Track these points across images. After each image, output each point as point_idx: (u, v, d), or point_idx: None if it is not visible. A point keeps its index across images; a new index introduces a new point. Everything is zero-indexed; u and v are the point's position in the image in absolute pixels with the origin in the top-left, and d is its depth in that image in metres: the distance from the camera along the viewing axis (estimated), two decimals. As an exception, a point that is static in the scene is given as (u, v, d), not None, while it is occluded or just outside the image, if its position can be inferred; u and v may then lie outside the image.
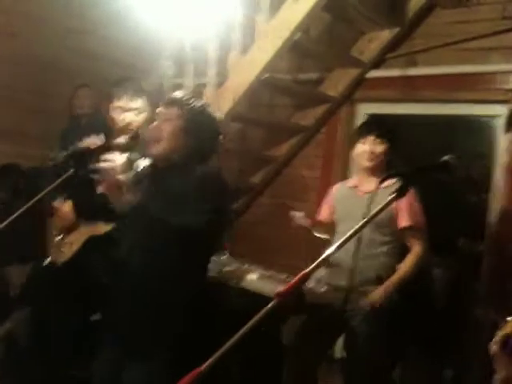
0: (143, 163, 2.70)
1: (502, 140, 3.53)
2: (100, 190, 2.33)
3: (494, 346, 1.60)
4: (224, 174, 2.19)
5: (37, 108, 4.49)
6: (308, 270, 1.38)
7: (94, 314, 3.10)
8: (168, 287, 2.07)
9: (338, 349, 3.70)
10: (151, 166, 2.26)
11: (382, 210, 1.53)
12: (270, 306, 1.32)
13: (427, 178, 1.67)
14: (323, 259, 1.42)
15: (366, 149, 2.85)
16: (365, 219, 1.50)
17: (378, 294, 2.69)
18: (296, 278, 1.36)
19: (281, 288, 1.35)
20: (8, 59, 4.33)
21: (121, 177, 1.99)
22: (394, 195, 1.54)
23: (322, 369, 2.96)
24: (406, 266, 2.77)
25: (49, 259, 2.95)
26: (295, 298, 1.33)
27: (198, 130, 2.12)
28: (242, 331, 1.30)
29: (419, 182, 1.62)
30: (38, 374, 2.99)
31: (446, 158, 1.61)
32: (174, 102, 2.14)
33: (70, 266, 2.85)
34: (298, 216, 2.92)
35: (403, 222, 2.77)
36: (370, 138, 2.85)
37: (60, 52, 4.52)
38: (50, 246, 3.01)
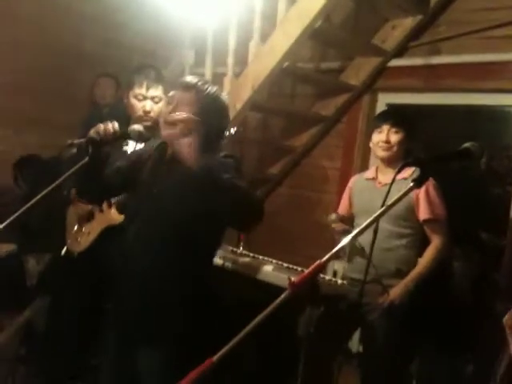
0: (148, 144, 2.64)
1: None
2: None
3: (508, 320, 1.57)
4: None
5: (61, 97, 4.50)
6: (323, 260, 1.34)
7: (109, 303, 3.10)
8: (178, 276, 2.06)
9: (356, 343, 3.67)
10: (160, 150, 2.23)
11: (399, 199, 1.48)
12: (283, 296, 1.29)
13: (448, 167, 1.62)
14: (338, 250, 1.38)
15: (382, 138, 2.80)
16: (380, 209, 1.45)
17: (397, 290, 2.64)
18: (310, 268, 1.33)
19: (295, 278, 1.32)
20: (32, 47, 4.36)
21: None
22: (411, 185, 1.50)
23: (340, 363, 2.93)
24: (425, 261, 2.71)
25: (65, 249, 2.94)
26: (309, 289, 1.29)
27: (210, 116, 2.07)
28: (254, 322, 1.27)
29: (439, 171, 1.56)
30: (54, 363, 3.01)
31: (467, 145, 1.55)
32: (190, 87, 2.11)
33: (86, 255, 2.85)
34: (333, 218, 2.85)
35: (423, 214, 2.71)
36: (386, 127, 2.80)
37: (84, 40, 4.53)
38: (67, 236, 3.01)
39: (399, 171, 1.53)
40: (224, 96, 2.20)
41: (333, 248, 1.38)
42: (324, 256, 1.36)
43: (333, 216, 2.84)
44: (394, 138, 2.78)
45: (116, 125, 2.13)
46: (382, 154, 2.81)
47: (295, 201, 4.51)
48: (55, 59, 4.44)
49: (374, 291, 2.68)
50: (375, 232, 1.50)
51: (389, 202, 1.48)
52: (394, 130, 2.78)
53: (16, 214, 1.77)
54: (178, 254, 2.04)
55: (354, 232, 1.42)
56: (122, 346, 2.14)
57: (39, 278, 3.68)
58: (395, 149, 2.77)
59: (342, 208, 3.04)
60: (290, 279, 1.32)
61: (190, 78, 2.17)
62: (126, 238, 2.19)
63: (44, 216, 3.30)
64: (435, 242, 2.73)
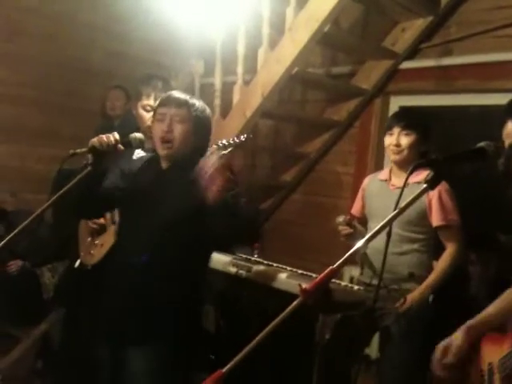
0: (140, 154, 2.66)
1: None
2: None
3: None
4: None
5: (70, 109, 4.54)
6: (335, 266, 1.31)
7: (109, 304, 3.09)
8: (173, 276, 2.10)
9: (375, 349, 3.62)
10: (152, 163, 2.26)
11: (412, 202, 1.45)
12: (294, 303, 1.26)
13: (462, 168, 1.57)
14: (350, 255, 1.35)
15: (393, 141, 2.73)
16: (393, 213, 1.42)
17: (413, 296, 2.60)
18: (322, 275, 1.30)
19: (306, 285, 1.29)
20: (43, 61, 4.40)
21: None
22: (424, 186, 1.46)
23: (358, 370, 2.88)
24: (440, 268, 2.65)
25: (79, 261, 2.94)
26: (322, 295, 1.26)
27: (202, 130, 2.21)
28: (265, 330, 1.24)
29: (453, 172, 1.52)
30: (70, 375, 3.00)
31: (481, 144, 1.51)
32: (183, 104, 2.17)
33: (99, 268, 2.84)
34: (340, 221, 2.81)
35: (436, 221, 2.65)
36: (396, 130, 2.73)
37: (91, 52, 4.56)
38: (80, 248, 3.01)
39: (411, 172, 1.48)
40: (207, 108, 2.27)
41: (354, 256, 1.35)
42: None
43: (340, 218, 2.80)
44: (405, 140, 2.71)
45: (116, 135, 2.15)
46: (393, 157, 2.76)
47: (309, 207, 4.48)
48: (63, 72, 4.48)
49: (388, 296, 2.64)
50: (388, 235, 1.46)
51: (401, 205, 1.44)
52: (404, 132, 2.71)
53: (32, 216, 1.76)
54: (173, 254, 2.08)
55: (366, 236, 1.39)
56: (115, 346, 2.15)
57: (55, 290, 3.69)
58: (406, 152, 2.70)
59: (355, 209, 3.00)
60: (300, 286, 1.29)
61: (178, 95, 2.23)
62: (121, 237, 2.26)
63: (56, 228, 3.31)
64: (450, 249, 2.67)
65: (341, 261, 1.34)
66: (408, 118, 2.77)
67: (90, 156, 2.10)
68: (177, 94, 2.24)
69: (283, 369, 2.71)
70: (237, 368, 1.21)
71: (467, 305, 2.91)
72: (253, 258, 3.20)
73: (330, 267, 1.30)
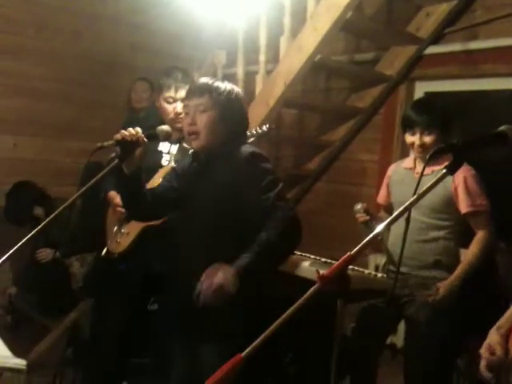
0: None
1: None
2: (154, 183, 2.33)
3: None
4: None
5: (97, 103, 4.63)
6: (353, 251, 1.31)
7: (151, 304, 3.13)
8: None
9: (401, 338, 3.61)
10: (195, 154, 2.26)
11: (431, 187, 1.43)
12: (312, 289, 1.27)
13: (489, 154, 1.55)
14: (369, 241, 1.35)
15: (416, 141, 2.65)
16: (411, 199, 1.41)
17: (445, 287, 2.56)
18: (340, 260, 1.30)
19: (324, 271, 1.29)
20: (69, 56, 4.48)
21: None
22: (444, 171, 1.44)
23: (386, 358, 2.87)
24: (470, 256, 2.60)
25: (105, 250, 2.98)
26: (341, 282, 1.26)
27: (232, 114, 2.11)
28: (283, 316, 1.25)
29: (476, 157, 1.50)
30: (99, 364, 3.06)
31: (502, 128, 1.48)
32: (202, 91, 2.11)
33: (126, 256, 2.88)
34: (357, 208, 2.78)
35: (463, 207, 2.59)
36: (418, 130, 2.63)
37: (116, 47, 4.62)
38: (107, 237, 3.05)
39: (430, 159, 1.47)
40: (235, 87, 2.20)
41: (374, 242, 1.35)
42: (366, 251, 1.33)
43: (358, 205, 2.77)
44: (428, 139, 2.62)
45: (138, 128, 2.16)
46: (417, 154, 2.71)
47: (334, 196, 4.47)
48: (90, 66, 4.56)
49: (414, 283, 2.62)
50: (407, 221, 1.45)
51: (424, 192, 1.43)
52: (426, 132, 2.62)
53: (57, 211, 1.79)
54: (228, 252, 2.00)
55: (385, 222, 1.38)
56: (186, 345, 2.16)
57: (84, 280, 3.75)
58: (431, 148, 2.58)
59: (381, 197, 2.97)
60: (318, 272, 1.29)
61: (200, 83, 2.17)
62: (177, 237, 2.24)
63: (83, 219, 3.37)
64: (479, 236, 2.61)
65: (359, 246, 1.33)
66: (428, 117, 2.63)
67: (117, 149, 2.12)
68: (199, 82, 2.19)
69: (306, 357, 2.73)
70: (257, 353, 1.23)
71: (493, 294, 2.87)
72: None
73: (348, 253, 1.30)
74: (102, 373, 3.07)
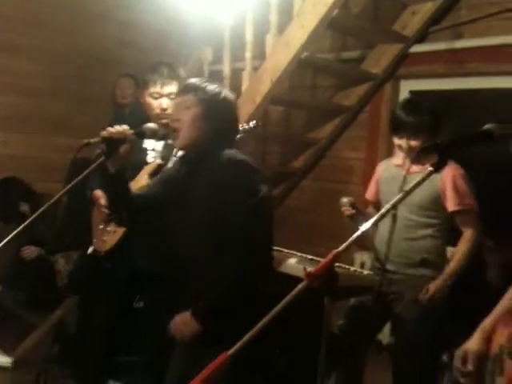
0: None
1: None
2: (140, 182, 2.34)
3: None
4: (250, 159, 2.14)
5: (85, 99, 4.61)
6: (339, 249, 1.32)
7: (137, 301, 3.12)
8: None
9: (386, 334, 3.63)
10: (181, 157, 2.27)
11: (417, 185, 1.44)
12: (299, 287, 1.27)
13: (474, 152, 1.56)
14: (356, 237, 1.36)
15: (403, 145, 2.66)
16: (398, 196, 1.42)
17: (435, 287, 2.58)
18: (327, 258, 1.30)
19: (311, 268, 1.30)
20: (58, 52, 4.47)
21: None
22: (430, 169, 1.45)
23: (372, 355, 2.89)
24: (458, 256, 2.62)
25: (92, 248, 2.97)
26: (328, 279, 1.27)
27: (216, 114, 2.11)
28: (270, 314, 1.26)
29: (462, 155, 1.51)
30: (85, 362, 3.05)
31: (488, 126, 1.49)
32: (189, 89, 2.13)
33: (113, 254, 2.87)
34: (344, 202, 2.80)
35: (451, 206, 2.61)
36: (405, 135, 2.63)
37: (104, 42, 4.61)
38: (93, 235, 3.04)
39: (417, 157, 1.48)
40: (226, 91, 2.20)
41: (358, 240, 1.36)
42: (352, 248, 1.33)
43: (345, 199, 2.78)
44: (416, 143, 2.62)
45: (125, 126, 2.15)
46: (405, 155, 2.72)
47: (320, 193, 4.48)
48: (78, 62, 4.54)
49: (401, 281, 2.64)
50: (394, 219, 1.47)
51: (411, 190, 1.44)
52: (413, 136, 2.62)
53: (42, 209, 1.79)
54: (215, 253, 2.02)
55: (372, 219, 1.39)
56: (188, 347, 2.15)
57: (69, 277, 3.74)
58: (419, 149, 2.60)
59: (370, 194, 2.98)
60: (305, 269, 1.30)
61: (189, 81, 2.19)
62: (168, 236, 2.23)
63: (69, 216, 3.36)
64: (466, 235, 2.63)
65: (345, 244, 1.34)
66: (416, 122, 2.61)
67: (103, 146, 2.11)
68: (188, 80, 2.20)
69: (294, 354, 2.73)
70: (243, 351, 1.23)
71: (482, 291, 2.90)
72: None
73: (334, 250, 1.31)
74: (88, 370, 3.06)
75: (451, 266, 2.62)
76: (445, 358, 3.10)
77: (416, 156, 1.49)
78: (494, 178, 3.41)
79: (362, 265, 3.58)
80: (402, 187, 2.56)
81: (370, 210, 3.01)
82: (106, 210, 2.93)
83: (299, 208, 4.54)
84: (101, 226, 2.98)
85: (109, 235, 2.92)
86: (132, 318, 3.10)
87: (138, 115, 3.27)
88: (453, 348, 3.10)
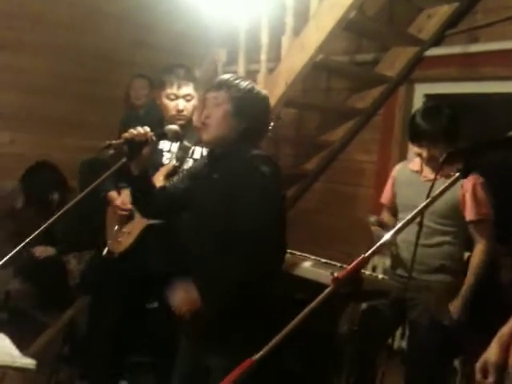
0: (198, 150, 2.71)
1: None
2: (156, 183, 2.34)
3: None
4: (274, 159, 2.13)
5: (95, 99, 4.60)
6: (366, 254, 1.30)
7: (150, 302, 3.12)
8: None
9: (397, 339, 3.61)
10: (208, 152, 2.26)
11: (444, 191, 1.43)
12: (326, 291, 1.26)
13: (492, 157, 1.54)
14: (382, 244, 1.35)
15: (423, 154, 2.64)
16: (424, 202, 1.40)
17: (456, 304, 2.59)
18: (354, 263, 1.29)
19: (338, 273, 1.29)
20: (69, 50, 4.46)
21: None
22: (456, 175, 1.44)
23: (383, 359, 2.88)
24: (474, 269, 2.61)
25: (106, 249, 2.97)
26: (352, 284, 1.27)
27: (247, 112, 2.08)
28: (296, 319, 1.25)
29: (486, 160, 1.49)
30: (96, 362, 3.05)
31: (513, 132, 1.48)
32: (220, 85, 2.10)
33: (127, 255, 2.87)
34: (372, 221, 2.77)
35: (469, 215, 2.60)
36: (425, 143, 2.61)
37: (118, 42, 4.60)
38: (108, 236, 3.04)
39: (444, 162, 1.46)
40: (259, 88, 2.18)
41: (369, 243, 1.35)
42: (361, 251, 1.33)
43: (372, 218, 2.76)
44: (435, 151, 2.60)
45: (147, 128, 2.15)
46: (424, 162, 2.70)
47: (332, 196, 4.47)
48: (89, 62, 4.53)
49: (418, 287, 2.62)
50: (420, 225, 1.45)
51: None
52: (433, 145, 2.59)
53: (65, 208, 1.79)
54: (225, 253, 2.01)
55: (397, 227, 1.38)
56: (193, 347, 2.15)
57: (81, 277, 3.74)
58: (438, 157, 2.59)
59: (385, 198, 2.96)
60: (332, 274, 1.29)
61: (221, 77, 2.17)
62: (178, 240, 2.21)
63: (82, 216, 3.35)
64: (481, 245, 2.62)
65: (372, 250, 1.33)
66: (437, 131, 2.58)
67: (125, 147, 2.10)
68: (222, 76, 2.19)
69: (308, 359, 2.73)
70: (268, 356, 1.22)
71: (496, 296, 2.88)
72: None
73: (362, 255, 1.30)
74: (99, 371, 3.06)
75: (467, 282, 2.61)
76: (456, 363, 3.10)
77: (443, 163, 1.46)
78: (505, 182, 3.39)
79: (373, 268, 3.56)
80: (421, 193, 2.55)
81: (385, 213, 2.99)
82: (121, 209, 2.94)
83: (311, 210, 4.53)
84: (116, 228, 2.99)
85: (124, 236, 2.93)
86: (144, 318, 3.11)
87: (153, 116, 3.27)
88: (465, 354, 3.11)
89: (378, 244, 1.34)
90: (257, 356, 1.21)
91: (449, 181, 1.42)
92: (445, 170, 2.54)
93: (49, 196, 3.84)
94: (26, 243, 1.62)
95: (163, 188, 2.27)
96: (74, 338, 3.50)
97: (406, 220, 1.38)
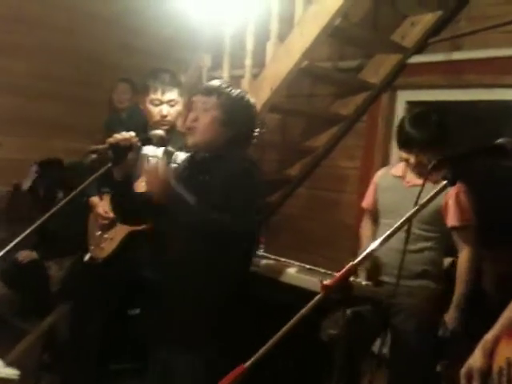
0: (182, 155, 2.70)
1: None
2: (139, 188, 2.33)
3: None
4: (260, 165, 2.14)
5: (83, 102, 4.56)
6: (356, 261, 1.31)
7: (132, 308, 3.10)
8: (206, 281, 2.07)
9: (377, 344, 3.63)
10: (190, 157, 2.25)
11: (432, 199, 1.45)
12: (316, 299, 1.26)
13: (481, 163, 1.56)
14: (371, 251, 1.35)
15: (411, 160, 2.66)
16: (412, 210, 1.41)
17: (449, 318, 2.61)
18: (344, 270, 1.30)
19: (328, 280, 1.29)
20: (57, 53, 4.43)
21: (162, 171, 2.00)
22: (445, 182, 1.45)
23: (367, 365, 2.88)
24: (462, 278, 2.62)
25: (88, 255, 2.94)
26: (342, 291, 1.27)
27: (236, 120, 2.10)
28: (287, 326, 1.24)
29: (473, 168, 1.51)
30: (75, 369, 3.01)
31: (501, 140, 1.50)
32: (211, 91, 2.10)
33: (110, 261, 2.84)
34: None
35: (452, 221, 2.63)
36: (414, 150, 2.62)
37: (106, 46, 4.56)
38: (90, 242, 3.00)
39: (433, 169, 1.47)
40: (249, 96, 2.18)
41: (353, 248, 1.36)
42: (345, 256, 1.34)
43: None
44: (423, 158, 2.62)
45: (132, 133, 2.14)
46: (412, 169, 2.71)
47: (315, 201, 4.47)
48: (77, 64, 4.49)
49: (401, 293, 2.63)
50: (408, 232, 1.46)
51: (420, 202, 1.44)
52: (422, 152, 2.60)
53: (48, 214, 1.77)
54: (208, 252, 2.04)
55: (386, 233, 1.38)
56: (157, 348, 2.15)
57: (62, 283, 3.69)
58: (426, 164, 2.61)
59: (367, 202, 2.98)
60: (322, 281, 1.29)
61: (211, 82, 2.17)
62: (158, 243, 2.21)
63: (64, 222, 3.31)
64: (465, 252, 2.64)
65: (361, 257, 1.34)
66: (426, 137, 2.59)
67: (109, 152, 2.08)
68: (211, 82, 2.20)
69: (292, 366, 2.72)
70: (259, 363, 1.22)
71: (479, 300, 2.90)
72: (259, 253, 3.20)
73: (351, 263, 1.30)
74: (81, 378, 3.02)
75: (458, 291, 2.62)
76: (439, 367, 3.12)
77: (431, 169, 1.47)
78: (489, 188, 3.43)
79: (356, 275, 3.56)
80: (404, 199, 2.58)
81: (366, 220, 3.00)
82: (103, 219, 2.91)
83: (295, 216, 4.53)
84: (98, 233, 2.96)
85: (106, 242, 2.90)
86: (126, 325, 3.08)
87: (136, 120, 3.26)
88: (448, 358, 3.13)
89: (366, 251, 1.35)
90: (248, 363, 1.21)
91: (436, 187, 1.44)
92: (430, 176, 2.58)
93: (54, 193, 3.81)
94: (13, 247, 1.59)
95: (143, 192, 2.26)
96: (55, 345, 3.45)
97: (394, 227, 1.39)
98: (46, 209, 1.81)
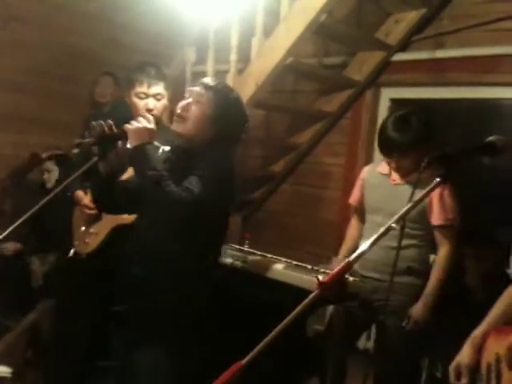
0: (166, 149, 2.68)
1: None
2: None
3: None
4: (243, 163, 2.16)
5: (62, 97, 4.49)
6: (351, 258, 1.31)
7: (118, 304, 3.07)
8: (169, 272, 2.09)
9: (362, 340, 3.66)
10: (170, 151, 2.25)
11: (424, 197, 1.46)
12: (312, 295, 1.26)
13: (470, 161, 1.58)
14: (368, 248, 1.35)
15: (391, 164, 2.68)
16: (406, 207, 1.42)
17: (418, 309, 2.63)
18: (339, 268, 1.30)
19: (324, 278, 1.29)
20: (39, 47, 4.34)
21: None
22: (437, 180, 1.46)
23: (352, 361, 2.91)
24: (437, 273, 2.64)
25: (73, 250, 2.90)
26: (337, 288, 1.27)
27: (225, 121, 2.11)
28: (283, 323, 1.24)
29: (462, 166, 1.52)
30: (60, 365, 2.98)
31: (491, 138, 1.51)
32: (210, 87, 2.11)
33: (95, 256, 2.81)
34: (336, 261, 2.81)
35: (436, 220, 2.65)
36: (395, 155, 2.63)
37: (85, 40, 4.47)
38: (75, 237, 2.97)
39: (425, 167, 1.48)
40: (243, 102, 2.21)
41: (336, 245, 1.36)
42: (329, 252, 1.34)
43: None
44: (405, 162, 2.63)
45: (110, 121, 2.13)
46: (393, 171, 2.74)
47: (299, 198, 4.49)
48: (60, 59, 4.41)
49: (386, 289, 2.65)
50: (402, 229, 1.47)
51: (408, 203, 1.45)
52: (403, 156, 2.61)
53: (34, 209, 1.75)
54: (162, 249, 2.08)
55: (379, 232, 1.39)
56: (122, 346, 2.15)
57: (44, 279, 3.65)
58: (409, 167, 2.65)
59: (354, 198, 2.98)
60: (318, 279, 1.29)
61: (212, 79, 2.20)
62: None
63: (50, 216, 3.27)
64: (444, 250, 2.66)
65: (356, 254, 1.34)
66: (406, 143, 2.59)
67: (94, 148, 2.06)
68: (211, 79, 2.24)
69: (279, 361, 2.72)
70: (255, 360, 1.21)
71: (463, 297, 2.94)
72: (245, 249, 3.19)
73: (347, 260, 1.30)
74: (65, 375, 2.99)
75: (430, 287, 2.63)
76: (424, 362, 3.16)
77: (424, 167, 1.47)
78: (472, 187, 3.47)
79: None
80: (391, 196, 2.60)
81: (354, 219, 3.02)
82: (90, 211, 2.88)
83: (279, 212, 4.54)
84: (83, 228, 2.93)
85: (91, 237, 2.87)
86: (112, 321, 3.05)
87: (120, 114, 3.22)
88: (431, 355, 3.17)
89: (361, 249, 1.35)
90: (245, 360, 1.21)
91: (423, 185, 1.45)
92: (413, 175, 2.61)
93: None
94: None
95: (124, 182, 2.25)
96: (38, 341, 3.41)
97: (387, 226, 1.40)
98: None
